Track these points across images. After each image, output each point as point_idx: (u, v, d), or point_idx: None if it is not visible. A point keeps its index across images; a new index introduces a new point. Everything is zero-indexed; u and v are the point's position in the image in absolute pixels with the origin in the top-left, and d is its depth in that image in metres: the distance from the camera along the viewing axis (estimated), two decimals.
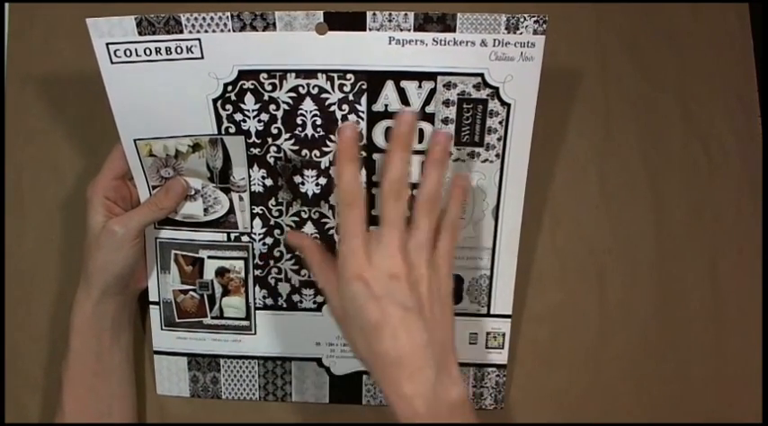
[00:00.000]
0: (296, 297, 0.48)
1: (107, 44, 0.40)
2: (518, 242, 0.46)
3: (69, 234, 0.50)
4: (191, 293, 0.48)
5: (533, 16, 0.40)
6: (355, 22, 0.40)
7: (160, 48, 0.40)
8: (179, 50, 0.40)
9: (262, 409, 0.50)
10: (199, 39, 0.40)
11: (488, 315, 0.48)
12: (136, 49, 0.40)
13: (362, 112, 0.43)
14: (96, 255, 0.43)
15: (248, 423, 0.50)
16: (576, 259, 0.51)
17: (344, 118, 0.44)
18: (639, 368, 0.51)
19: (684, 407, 0.50)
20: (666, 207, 0.51)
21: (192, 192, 0.46)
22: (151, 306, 0.48)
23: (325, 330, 0.48)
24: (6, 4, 0.51)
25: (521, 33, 0.41)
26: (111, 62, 0.41)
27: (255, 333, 0.49)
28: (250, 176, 0.45)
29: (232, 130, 0.44)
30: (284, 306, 0.48)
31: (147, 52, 0.40)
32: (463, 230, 0.46)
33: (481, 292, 0.47)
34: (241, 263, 0.47)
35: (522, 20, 0.40)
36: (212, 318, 0.48)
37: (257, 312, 0.48)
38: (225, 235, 0.47)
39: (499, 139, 0.44)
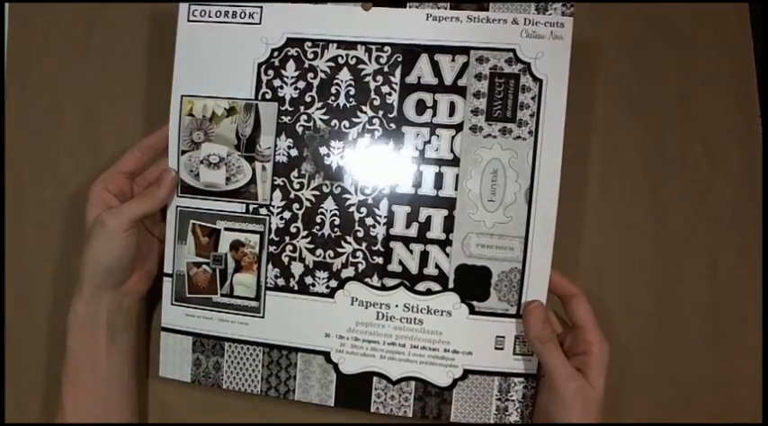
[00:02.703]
0: (308, 279, 0.46)
1: (189, 4, 0.46)
2: (553, 231, 0.44)
3: (69, 234, 0.50)
4: (204, 266, 0.47)
5: (560, 1, 0.43)
6: (397, 0, 0.44)
7: (228, 12, 0.46)
8: (243, 15, 0.46)
9: (262, 410, 0.50)
10: (261, 7, 0.46)
11: (518, 315, 0.45)
12: (210, 11, 0.46)
13: (396, 84, 0.45)
14: (86, 248, 0.42)
15: (249, 424, 0.50)
16: (577, 259, 0.51)
17: (378, 89, 0.45)
18: (639, 368, 0.50)
19: (684, 407, 0.50)
20: (666, 207, 0.51)
21: (217, 160, 0.46)
22: (165, 279, 0.48)
23: (336, 320, 0.46)
24: (6, 4, 0.51)
25: (550, 14, 0.44)
26: (188, 20, 0.46)
27: (264, 316, 0.47)
28: (276, 145, 0.46)
29: (268, 96, 0.46)
30: (296, 288, 0.47)
31: (218, 14, 0.46)
32: (492, 214, 0.44)
33: (511, 288, 0.44)
34: (256, 238, 0.47)
35: (550, 3, 0.43)
36: (222, 295, 0.47)
37: (267, 292, 0.47)
38: (243, 206, 0.47)
39: (532, 115, 0.44)
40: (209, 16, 0.46)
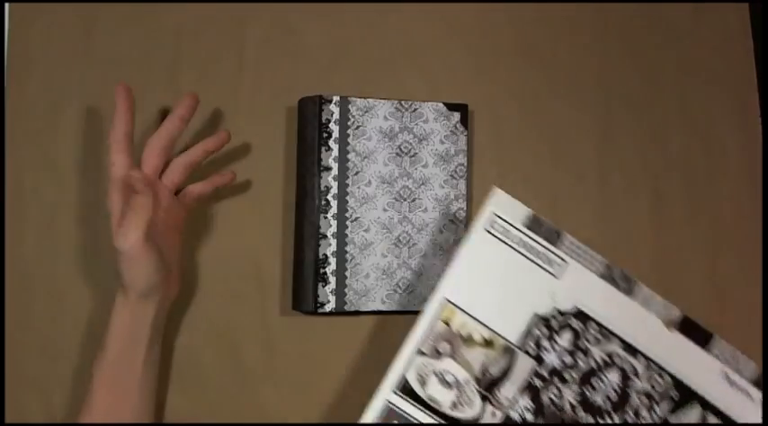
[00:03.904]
0: None
1: (495, 213, 0.43)
2: None
3: (69, 234, 0.50)
4: None
5: None
6: (703, 339, 0.42)
7: (532, 247, 0.43)
8: (544, 259, 0.43)
9: (261, 409, 0.50)
10: (567, 263, 0.42)
11: None
12: (513, 234, 0.43)
13: (660, 417, 0.43)
14: (121, 270, 0.43)
15: (250, 423, 0.50)
16: None
17: (637, 408, 0.43)
18: None
19: None
20: (666, 207, 0.51)
21: (452, 380, 0.43)
22: None
23: None
24: (6, 4, 0.51)
25: None
26: (486, 229, 0.43)
27: None
28: (517, 401, 0.43)
29: (531, 351, 0.43)
30: None
31: (519, 242, 0.43)
32: None
33: None
34: None
35: None
36: None
37: None
38: None
39: None
40: (509, 238, 0.43)
